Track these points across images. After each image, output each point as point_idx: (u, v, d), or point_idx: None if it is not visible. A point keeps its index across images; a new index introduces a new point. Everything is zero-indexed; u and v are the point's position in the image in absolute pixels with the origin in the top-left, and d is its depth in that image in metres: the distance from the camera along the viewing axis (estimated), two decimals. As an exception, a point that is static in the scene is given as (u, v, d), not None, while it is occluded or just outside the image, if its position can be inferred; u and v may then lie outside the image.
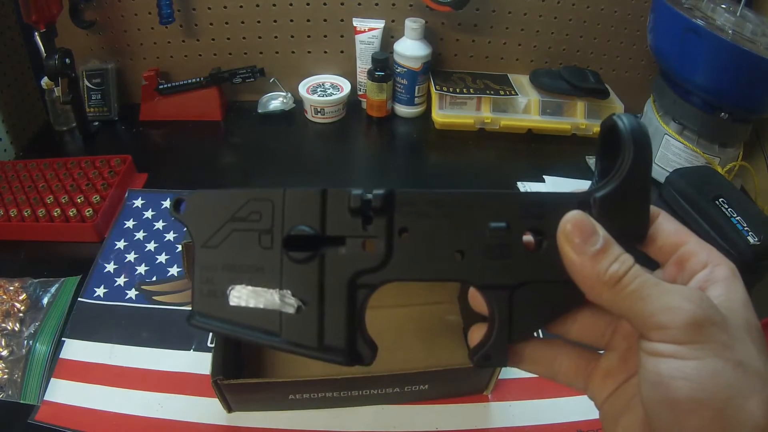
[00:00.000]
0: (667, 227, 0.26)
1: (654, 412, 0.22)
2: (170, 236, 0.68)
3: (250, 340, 0.27)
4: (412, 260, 0.27)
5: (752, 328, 0.22)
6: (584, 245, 0.24)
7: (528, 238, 0.27)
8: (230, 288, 0.27)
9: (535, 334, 0.28)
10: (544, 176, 0.79)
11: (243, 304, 0.27)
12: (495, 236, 0.26)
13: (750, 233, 0.59)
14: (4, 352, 0.53)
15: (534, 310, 0.27)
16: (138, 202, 0.72)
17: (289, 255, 0.26)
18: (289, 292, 0.26)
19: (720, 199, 0.62)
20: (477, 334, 0.29)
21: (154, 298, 0.60)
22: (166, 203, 0.72)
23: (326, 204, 0.27)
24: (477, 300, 0.29)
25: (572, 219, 0.24)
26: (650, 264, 0.26)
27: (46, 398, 0.50)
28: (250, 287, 0.27)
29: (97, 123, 0.88)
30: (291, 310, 0.26)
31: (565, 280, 0.25)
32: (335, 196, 0.27)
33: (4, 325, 0.56)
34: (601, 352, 0.28)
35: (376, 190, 0.26)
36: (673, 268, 0.26)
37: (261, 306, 0.27)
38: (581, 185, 0.78)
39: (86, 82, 0.88)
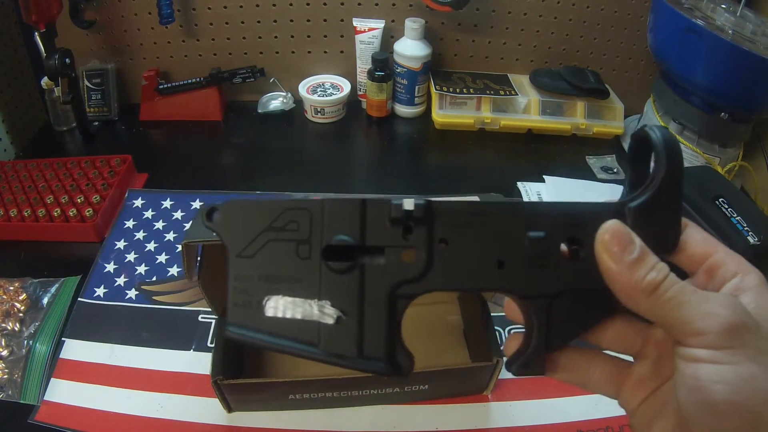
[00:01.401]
0: (696, 237, 0.27)
1: (692, 415, 0.23)
2: (170, 236, 0.68)
3: (288, 351, 0.27)
4: (452, 270, 0.27)
5: None
6: (622, 254, 0.24)
7: (565, 247, 0.27)
8: (267, 298, 0.26)
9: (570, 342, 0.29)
10: (544, 176, 0.79)
11: (280, 314, 0.26)
12: (534, 246, 0.27)
13: (750, 233, 0.59)
14: (4, 352, 0.53)
15: (571, 319, 0.28)
16: (138, 202, 0.72)
17: (328, 265, 0.26)
18: (328, 302, 0.26)
19: (720, 199, 0.62)
20: (514, 343, 0.29)
21: (154, 298, 0.60)
22: (166, 203, 0.72)
23: (366, 214, 0.27)
24: (512, 309, 0.30)
25: (610, 228, 0.25)
26: (679, 273, 0.27)
27: (46, 398, 0.50)
28: (287, 297, 0.26)
29: (97, 123, 0.88)
30: (330, 321, 0.26)
31: (602, 288, 0.26)
32: (375, 206, 0.27)
33: (4, 325, 0.56)
34: (632, 360, 0.29)
35: (416, 200, 0.26)
36: (703, 276, 0.26)
37: (299, 317, 0.26)
38: (581, 185, 0.78)
39: (86, 82, 0.88)
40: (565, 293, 0.27)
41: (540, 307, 0.27)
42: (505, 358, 0.46)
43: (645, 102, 0.85)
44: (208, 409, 0.49)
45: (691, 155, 0.76)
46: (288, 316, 0.26)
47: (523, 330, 0.28)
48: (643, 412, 0.27)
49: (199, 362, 0.53)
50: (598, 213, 0.26)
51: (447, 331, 0.56)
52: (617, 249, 0.25)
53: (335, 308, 0.26)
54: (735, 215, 0.61)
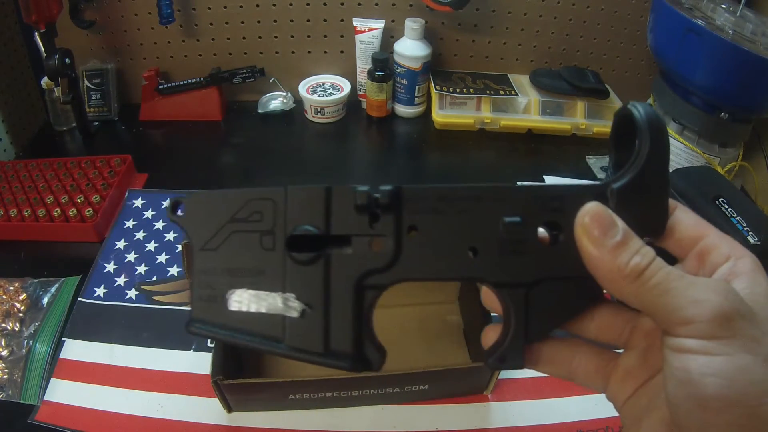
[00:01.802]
0: (685, 220, 0.25)
1: (681, 410, 0.21)
2: (170, 236, 0.68)
3: (252, 347, 0.26)
4: (422, 259, 0.25)
5: None
6: (603, 238, 0.23)
7: (543, 232, 0.26)
8: (230, 292, 0.26)
9: (552, 333, 0.27)
10: (544, 176, 0.79)
11: (244, 308, 0.26)
12: (509, 231, 0.25)
13: (750, 233, 0.59)
14: (4, 352, 0.53)
15: (551, 308, 0.26)
16: (138, 202, 0.72)
17: (292, 256, 0.25)
18: (292, 295, 0.25)
19: (720, 199, 0.62)
20: (491, 334, 0.28)
21: (154, 298, 0.60)
22: (166, 203, 0.72)
23: (331, 202, 0.25)
24: (490, 298, 0.28)
25: (590, 211, 0.23)
26: (668, 259, 0.25)
27: (46, 398, 0.50)
28: (251, 291, 0.26)
29: (97, 123, 0.88)
30: (295, 314, 0.25)
31: (584, 275, 0.24)
32: (340, 194, 0.25)
33: (4, 325, 0.56)
34: (620, 351, 0.27)
35: (383, 186, 0.25)
36: (694, 261, 0.25)
37: (263, 310, 0.25)
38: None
39: (86, 82, 0.88)
40: (545, 281, 0.26)
41: (517, 296, 0.26)
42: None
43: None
44: (208, 409, 0.49)
45: (691, 155, 0.76)
46: (252, 310, 0.25)
47: (502, 321, 0.27)
48: (632, 407, 0.26)
49: (199, 362, 0.53)
50: (578, 195, 0.25)
51: (447, 331, 0.56)
52: (598, 232, 0.23)
53: (300, 301, 0.25)
54: (735, 215, 0.61)
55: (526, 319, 0.26)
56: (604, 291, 0.25)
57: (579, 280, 0.25)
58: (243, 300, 0.26)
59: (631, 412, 0.26)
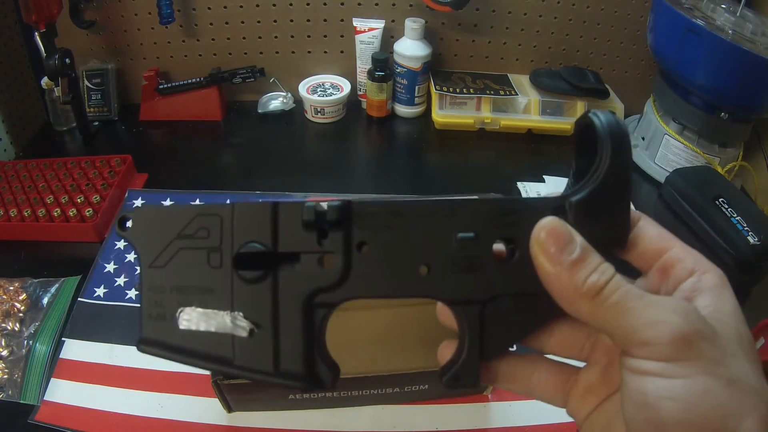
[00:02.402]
0: (649, 232, 0.24)
1: None
2: (170, 236, 0.68)
3: (202, 367, 0.25)
4: (372, 276, 0.25)
5: (744, 341, 0.21)
6: (560, 255, 0.22)
7: (499, 246, 0.25)
8: (180, 310, 0.25)
9: (510, 348, 0.27)
10: (544, 176, 0.79)
11: (193, 327, 0.25)
12: (463, 248, 0.25)
13: (750, 233, 0.59)
14: (4, 352, 0.53)
15: (507, 325, 0.25)
16: (138, 202, 0.72)
17: (239, 274, 0.25)
18: (241, 314, 0.25)
19: (720, 199, 0.63)
20: (447, 351, 0.27)
21: (154, 298, 0.60)
22: (166, 203, 0.72)
23: (278, 218, 0.25)
24: (446, 314, 0.27)
25: (546, 226, 0.22)
26: (631, 272, 0.25)
27: (46, 398, 0.50)
28: (200, 309, 0.25)
29: (97, 123, 0.88)
30: (243, 334, 0.25)
31: (540, 292, 0.23)
32: (287, 210, 0.25)
33: (4, 325, 0.56)
34: (581, 366, 0.27)
35: (331, 201, 0.24)
36: (657, 276, 0.24)
37: (212, 329, 0.25)
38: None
39: (86, 82, 0.88)
40: (500, 297, 0.25)
41: (471, 313, 0.25)
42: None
43: (645, 102, 0.85)
44: (208, 409, 0.49)
45: (691, 155, 0.76)
46: (201, 329, 0.25)
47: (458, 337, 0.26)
48: (592, 424, 0.25)
49: (199, 362, 0.53)
50: (535, 209, 0.24)
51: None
52: (554, 249, 0.22)
53: (248, 320, 0.25)
54: (735, 215, 0.61)
55: (481, 337, 0.25)
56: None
57: (536, 296, 0.24)
58: (192, 319, 0.25)
59: (590, 430, 0.25)
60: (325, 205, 0.24)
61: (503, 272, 0.25)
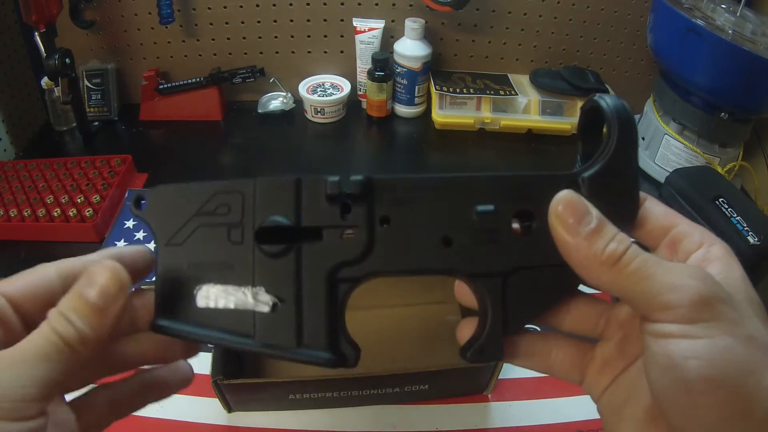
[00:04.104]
0: (655, 210, 0.25)
1: (666, 396, 0.21)
2: (170, 236, 0.68)
3: (222, 344, 0.25)
4: (395, 250, 0.25)
5: (755, 304, 0.22)
6: (578, 225, 0.23)
7: (516, 222, 0.26)
8: (197, 288, 0.25)
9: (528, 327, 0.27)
10: (544, 176, 0.79)
11: (212, 305, 0.25)
12: (483, 221, 0.25)
13: (750, 233, 0.59)
14: (4, 352, 0.53)
15: (528, 299, 0.26)
16: (138, 202, 0.72)
17: (261, 249, 0.24)
18: (262, 288, 0.24)
19: (720, 199, 0.62)
20: (467, 329, 0.27)
21: (154, 298, 0.60)
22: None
23: (301, 193, 0.25)
24: (463, 292, 0.28)
25: (564, 199, 0.23)
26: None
27: (46, 398, 0.50)
28: (219, 286, 0.25)
29: (97, 123, 0.88)
30: (266, 309, 0.24)
31: (559, 263, 0.24)
32: (311, 184, 0.25)
33: (4, 325, 0.55)
34: (595, 342, 0.28)
35: (354, 176, 0.24)
36: (666, 250, 0.25)
37: (232, 306, 0.24)
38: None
39: (86, 82, 0.88)
40: (520, 270, 0.25)
41: (493, 286, 0.25)
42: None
43: (645, 102, 0.85)
44: (208, 409, 0.49)
45: (691, 155, 0.77)
46: (220, 305, 0.24)
47: (478, 316, 0.27)
48: (610, 398, 0.26)
49: (199, 362, 0.53)
50: (550, 183, 0.25)
51: (447, 331, 0.56)
52: (572, 220, 0.23)
53: (270, 295, 0.24)
54: (735, 215, 0.61)
55: (503, 310, 0.26)
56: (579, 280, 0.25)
57: (555, 268, 0.24)
58: (210, 295, 0.25)
59: (609, 403, 0.26)
60: (347, 180, 0.24)
61: (523, 245, 0.25)
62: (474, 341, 0.26)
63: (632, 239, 0.23)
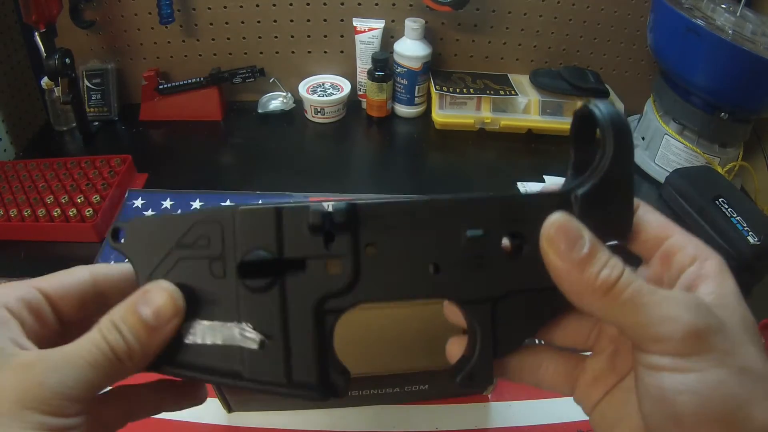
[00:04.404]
0: (649, 219, 0.25)
1: (657, 426, 0.21)
2: (170, 236, 0.67)
3: (212, 383, 0.25)
4: (382, 279, 0.24)
5: (748, 325, 0.22)
6: (570, 251, 0.22)
7: (507, 244, 0.25)
8: (184, 325, 0.24)
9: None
10: (544, 176, 0.79)
11: (199, 341, 0.24)
12: (472, 246, 0.24)
13: (750, 233, 0.59)
14: (4, 352, 0.53)
15: (518, 321, 0.25)
16: (138, 202, 0.72)
17: (245, 284, 0.24)
18: (249, 325, 0.24)
19: (720, 199, 0.62)
20: (456, 348, 0.27)
21: (154, 298, 0.60)
22: (166, 203, 0.72)
23: (282, 223, 0.24)
24: (452, 312, 0.27)
25: (556, 222, 0.22)
26: (634, 260, 0.25)
27: (46, 398, 0.50)
28: (205, 322, 0.24)
29: (97, 123, 0.88)
30: (254, 346, 0.24)
31: (551, 287, 0.23)
32: (292, 214, 0.24)
33: (4, 325, 0.55)
34: (586, 354, 0.27)
35: (336, 203, 0.23)
36: (659, 263, 0.24)
37: (219, 342, 0.24)
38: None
39: (86, 82, 0.88)
40: (510, 294, 0.25)
41: (483, 312, 0.25)
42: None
43: (645, 102, 0.85)
44: (208, 409, 0.49)
45: (691, 155, 0.77)
46: (208, 342, 0.24)
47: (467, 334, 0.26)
48: (602, 413, 0.25)
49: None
50: (542, 204, 0.24)
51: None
52: (564, 246, 0.22)
53: (257, 331, 0.24)
54: (735, 215, 0.61)
55: (493, 335, 0.25)
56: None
57: (546, 291, 0.24)
58: (197, 332, 0.24)
59: (601, 420, 0.25)
60: (329, 206, 0.23)
61: (513, 269, 0.24)
62: (464, 363, 0.26)
63: (624, 248, 0.24)
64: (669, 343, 0.20)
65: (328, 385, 0.25)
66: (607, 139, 0.23)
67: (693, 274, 0.23)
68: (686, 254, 0.23)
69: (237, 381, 0.24)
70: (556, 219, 0.22)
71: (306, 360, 0.24)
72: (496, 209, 0.24)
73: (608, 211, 0.24)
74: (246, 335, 0.24)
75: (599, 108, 0.24)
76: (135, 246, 0.25)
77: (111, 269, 0.26)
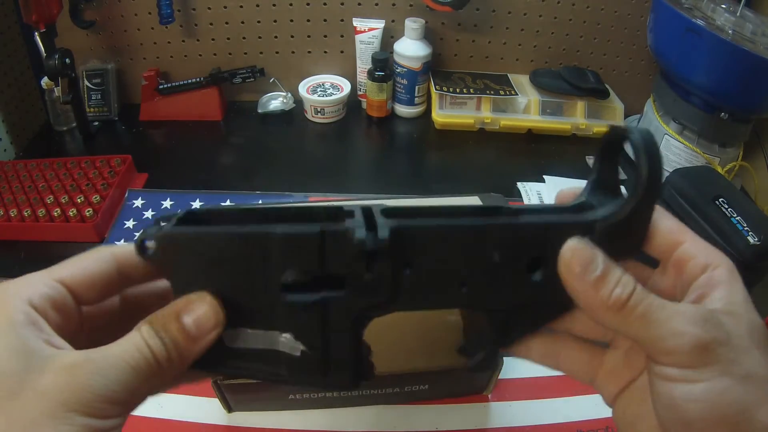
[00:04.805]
0: (663, 225, 0.26)
1: (670, 428, 0.23)
2: (170, 236, 0.67)
3: (256, 377, 0.26)
4: (416, 294, 0.26)
5: (755, 331, 0.23)
6: (584, 274, 0.24)
7: (528, 266, 0.27)
8: (228, 331, 0.25)
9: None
10: (544, 176, 0.79)
11: (241, 345, 0.25)
12: (498, 266, 0.26)
13: (750, 233, 0.59)
14: (4, 352, 0.53)
15: (527, 320, 0.27)
16: (138, 202, 0.72)
17: (287, 301, 0.25)
18: (291, 335, 0.25)
19: (720, 199, 0.62)
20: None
21: (154, 298, 0.60)
22: (166, 203, 0.72)
23: (325, 246, 0.24)
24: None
25: (571, 248, 0.25)
26: (650, 261, 0.26)
27: (46, 398, 0.50)
28: (249, 330, 0.25)
29: (97, 123, 0.88)
30: (296, 354, 0.25)
31: (567, 301, 0.25)
32: (336, 237, 0.24)
33: (4, 325, 0.55)
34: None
35: (380, 227, 0.24)
36: (672, 271, 0.26)
37: (260, 347, 0.25)
38: (581, 185, 0.78)
39: (86, 82, 0.88)
40: (529, 303, 0.27)
41: (499, 315, 0.27)
42: (504, 358, 0.46)
43: (645, 102, 0.85)
44: (208, 409, 0.49)
45: (691, 155, 0.76)
46: (249, 347, 0.25)
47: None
48: (624, 410, 0.27)
49: (199, 362, 0.53)
50: (564, 230, 0.25)
51: (447, 331, 0.56)
52: (579, 269, 0.24)
53: (299, 341, 0.25)
54: (735, 215, 0.61)
55: (505, 329, 0.27)
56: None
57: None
58: (239, 338, 0.25)
59: (623, 415, 0.27)
60: (370, 233, 0.24)
61: (534, 286, 0.26)
62: (471, 347, 0.28)
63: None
64: (678, 356, 0.22)
65: (359, 380, 0.26)
66: (642, 172, 0.24)
67: (703, 283, 0.24)
68: (697, 263, 0.25)
69: (277, 378, 0.26)
70: (571, 245, 0.25)
71: (343, 362, 0.26)
72: (522, 234, 0.26)
73: (629, 235, 0.26)
74: (288, 345, 0.25)
75: (637, 135, 0.24)
76: (168, 259, 0.25)
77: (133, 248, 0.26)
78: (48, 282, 0.24)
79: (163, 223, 0.25)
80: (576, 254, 0.24)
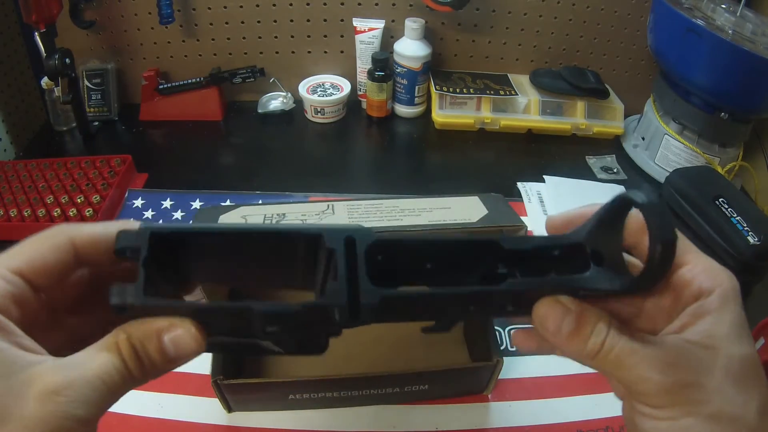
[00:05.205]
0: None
1: None
2: (170, 236, 0.67)
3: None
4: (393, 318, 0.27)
5: (734, 365, 0.24)
6: (558, 331, 0.26)
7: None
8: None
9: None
10: (544, 176, 0.79)
11: (218, 342, 0.27)
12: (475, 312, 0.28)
13: (750, 233, 0.59)
14: (4, 352, 0.53)
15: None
16: (138, 202, 0.72)
17: (269, 331, 0.25)
18: (270, 342, 0.26)
19: (720, 199, 0.62)
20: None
21: (154, 298, 0.60)
22: (166, 203, 0.72)
23: (306, 316, 0.25)
24: None
25: (542, 308, 0.26)
26: None
27: (46, 398, 0.50)
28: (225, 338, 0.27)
29: (97, 123, 0.88)
30: (279, 350, 0.27)
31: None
32: (315, 312, 0.25)
33: (4, 325, 0.55)
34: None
35: (364, 295, 0.24)
36: (671, 296, 0.26)
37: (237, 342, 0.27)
38: (581, 185, 0.78)
39: (86, 82, 0.88)
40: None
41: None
42: (504, 358, 0.46)
43: (645, 102, 0.85)
44: (208, 409, 0.49)
45: (691, 155, 0.77)
46: (226, 342, 0.28)
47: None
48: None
49: (199, 362, 0.53)
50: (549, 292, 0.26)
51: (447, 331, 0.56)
52: (553, 327, 0.26)
53: (277, 347, 0.27)
54: (735, 215, 0.61)
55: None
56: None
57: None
58: (217, 340, 0.27)
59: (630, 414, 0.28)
60: (349, 311, 0.24)
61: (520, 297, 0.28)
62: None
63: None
64: (646, 398, 0.24)
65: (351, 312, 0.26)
66: (654, 259, 0.24)
67: (691, 312, 0.25)
68: (692, 291, 0.25)
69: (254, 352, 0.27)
70: (542, 307, 0.26)
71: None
72: (506, 299, 0.27)
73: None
74: (269, 348, 0.27)
75: (658, 221, 0.23)
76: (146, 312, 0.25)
77: (94, 232, 0.25)
78: (6, 275, 0.23)
79: (130, 256, 0.24)
80: (547, 313, 0.26)
